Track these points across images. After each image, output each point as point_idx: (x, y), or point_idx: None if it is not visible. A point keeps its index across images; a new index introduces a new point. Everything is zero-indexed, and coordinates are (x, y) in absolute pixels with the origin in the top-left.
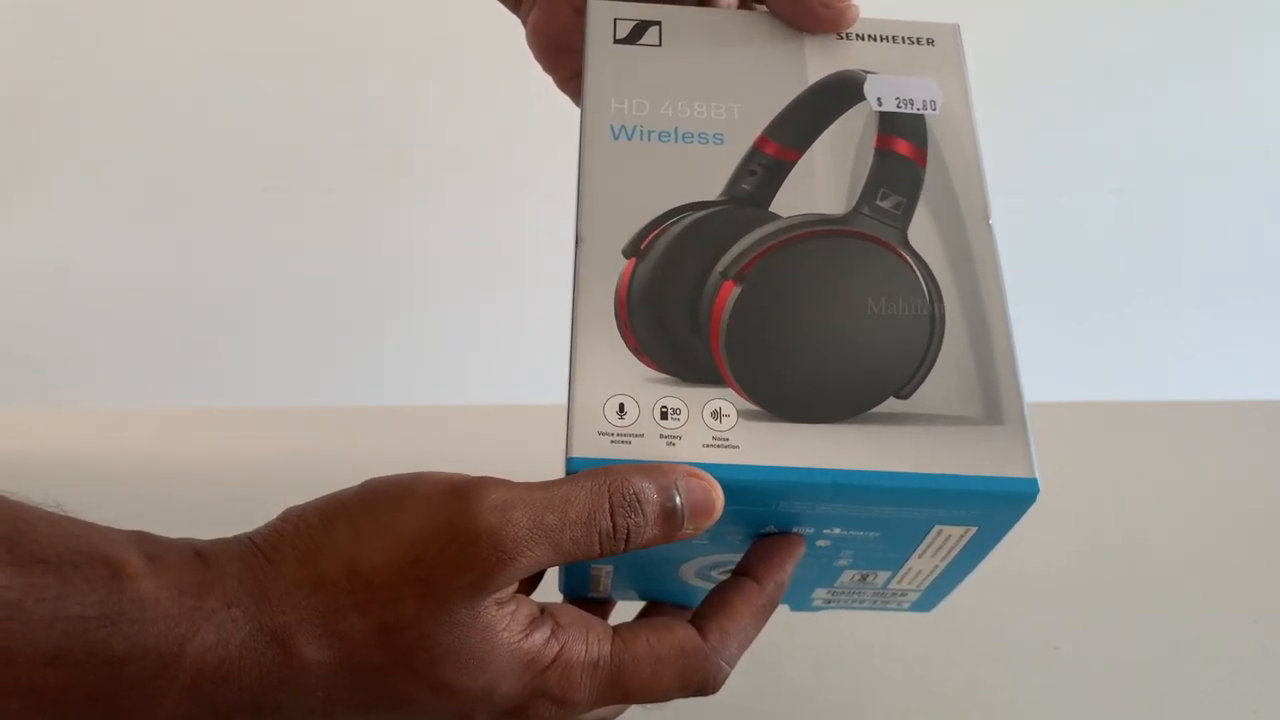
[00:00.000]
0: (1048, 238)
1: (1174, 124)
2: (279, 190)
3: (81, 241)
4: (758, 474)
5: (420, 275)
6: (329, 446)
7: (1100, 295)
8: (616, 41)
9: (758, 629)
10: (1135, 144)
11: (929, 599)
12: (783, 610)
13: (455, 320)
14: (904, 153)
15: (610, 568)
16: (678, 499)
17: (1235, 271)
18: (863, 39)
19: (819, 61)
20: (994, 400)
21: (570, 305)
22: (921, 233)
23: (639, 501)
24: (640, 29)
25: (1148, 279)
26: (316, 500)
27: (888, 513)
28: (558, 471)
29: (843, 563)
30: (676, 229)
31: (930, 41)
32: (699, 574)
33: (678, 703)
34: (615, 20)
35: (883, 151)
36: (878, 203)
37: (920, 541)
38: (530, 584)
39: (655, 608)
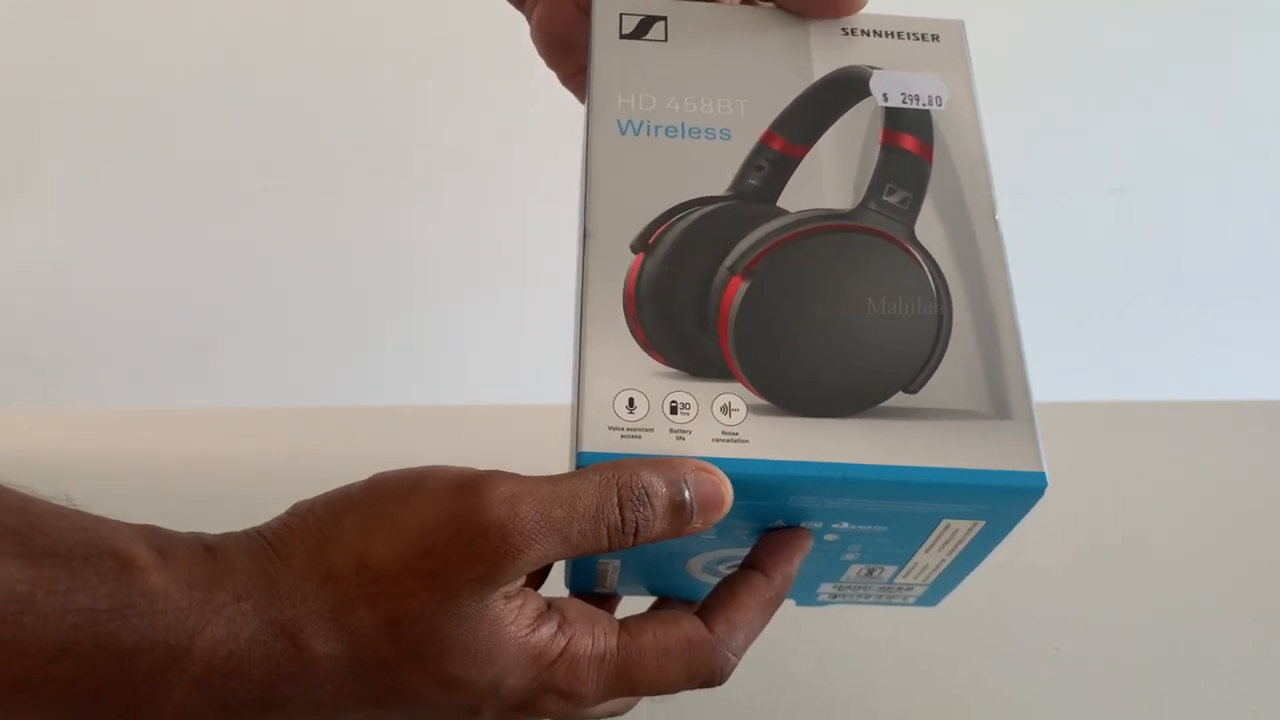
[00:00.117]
0: (1048, 238)
1: (1174, 124)
2: (279, 190)
3: (81, 241)
4: (767, 468)
5: (420, 275)
6: (329, 446)
7: (1100, 295)
8: (622, 37)
9: (764, 622)
10: (1135, 144)
11: (934, 594)
12: (788, 605)
13: (455, 320)
14: (910, 148)
15: (617, 563)
16: (687, 493)
17: (1235, 271)
18: (868, 35)
19: (825, 57)
20: (1001, 395)
21: (577, 300)
22: (928, 228)
23: (648, 495)
24: (646, 24)
25: (1148, 279)
26: (325, 494)
27: (896, 507)
28: (559, 471)
29: (850, 557)
30: (684, 224)
31: (935, 37)
32: (706, 569)
33: (683, 697)
34: (621, 15)
35: (889, 147)
36: (884, 198)
37: (928, 536)
38: (538, 579)
39: (663, 602)
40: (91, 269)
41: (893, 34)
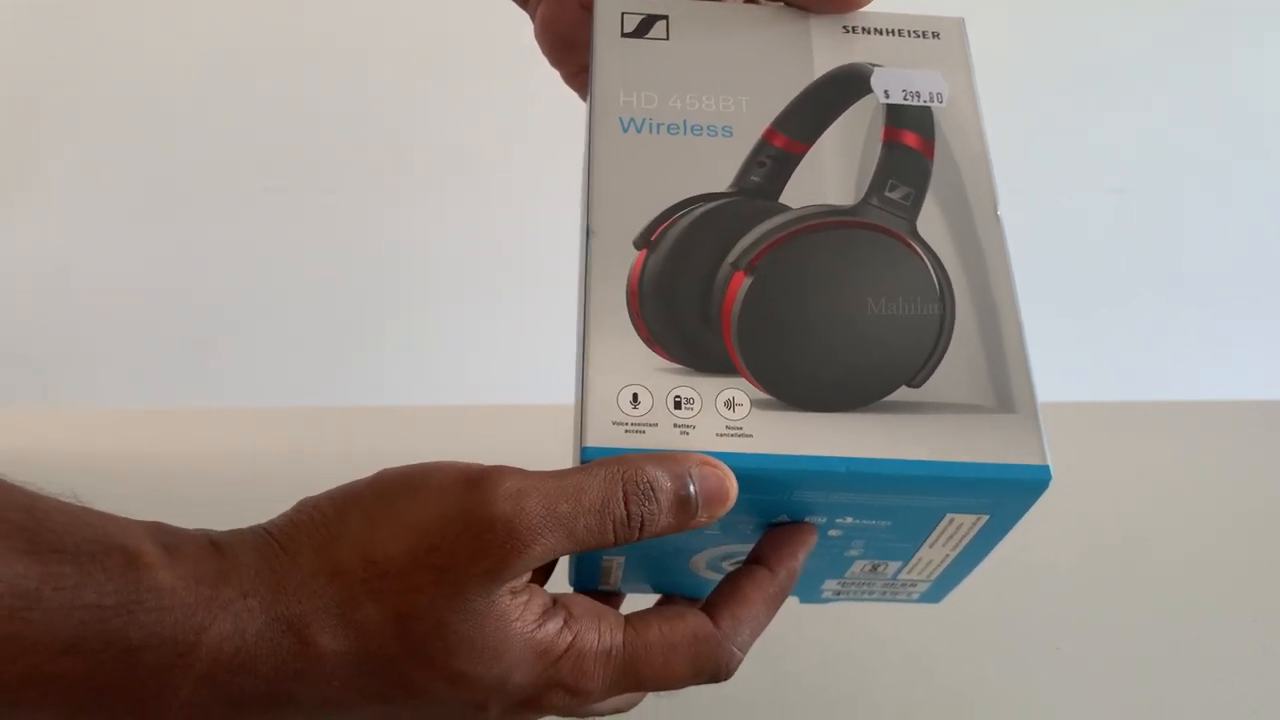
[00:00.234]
0: (1048, 237)
1: (1174, 124)
2: (279, 190)
3: (81, 241)
4: (772, 462)
5: (420, 275)
6: (329, 446)
7: (1100, 295)
8: (624, 35)
9: (769, 616)
10: (1135, 144)
11: (938, 590)
12: (791, 603)
13: (455, 320)
14: (912, 145)
15: (621, 559)
16: (692, 487)
17: (1235, 271)
18: (869, 32)
19: (826, 54)
20: (1005, 389)
21: (580, 297)
22: (930, 223)
23: (653, 489)
24: (648, 23)
25: (1148, 279)
26: (331, 491)
27: (900, 501)
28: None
29: (854, 553)
30: (687, 220)
31: (936, 35)
32: (710, 565)
33: (687, 693)
34: (623, 14)
35: (890, 144)
36: (886, 194)
37: (932, 530)
38: (543, 575)
39: (668, 599)
40: (91, 269)
41: (893, 31)
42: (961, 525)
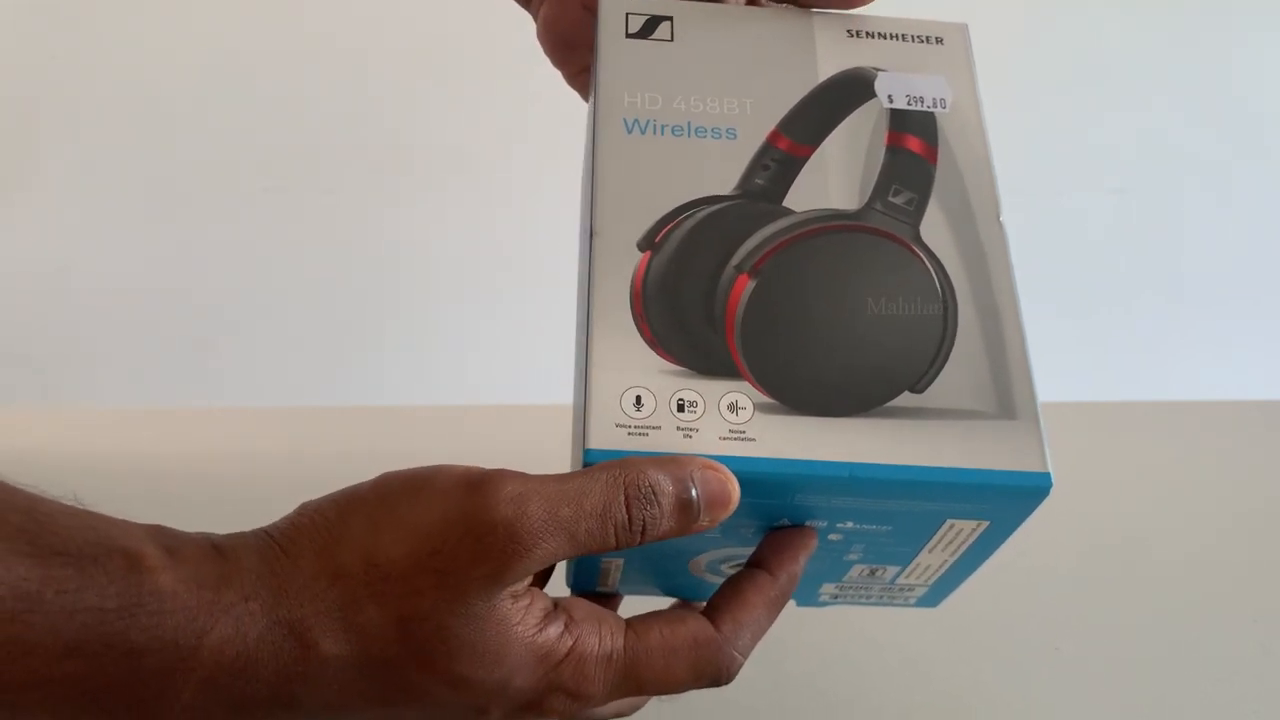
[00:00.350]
0: (1048, 238)
1: (1174, 124)
2: (279, 190)
3: (81, 241)
4: (774, 467)
5: (420, 275)
6: (329, 446)
7: (1100, 295)
8: (629, 36)
9: (770, 620)
10: (1135, 144)
11: (935, 595)
12: (790, 606)
13: (455, 320)
14: (915, 150)
15: (620, 561)
16: (694, 491)
17: (1235, 271)
18: (873, 37)
19: (830, 58)
20: (1007, 395)
21: (583, 298)
22: (933, 229)
23: (655, 493)
24: (652, 24)
25: (1148, 279)
26: (332, 494)
27: (901, 506)
28: (559, 471)
29: (853, 557)
30: (691, 223)
31: (939, 40)
32: (710, 568)
33: (689, 697)
34: (627, 15)
35: (894, 148)
36: (890, 199)
37: (932, 535)
38: (542, 578)
39: (683, 604)
40: (91, 269)
41: (897, 36)
42: (961, 531)
